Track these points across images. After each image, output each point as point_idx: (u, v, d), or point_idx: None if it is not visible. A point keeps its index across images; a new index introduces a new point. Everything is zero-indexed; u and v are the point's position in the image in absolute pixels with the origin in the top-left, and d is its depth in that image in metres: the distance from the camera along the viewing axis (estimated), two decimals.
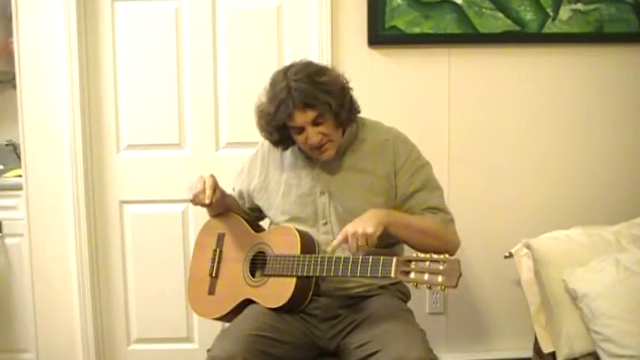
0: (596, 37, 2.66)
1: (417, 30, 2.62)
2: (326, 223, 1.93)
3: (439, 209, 1.93)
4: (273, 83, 1.86)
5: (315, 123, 1.83)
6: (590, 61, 2.71)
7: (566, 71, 2.70)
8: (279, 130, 1.88)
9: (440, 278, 1.56)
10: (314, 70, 1.85)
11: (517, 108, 2.71)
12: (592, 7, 2.64)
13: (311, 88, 1.80)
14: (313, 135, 1.84)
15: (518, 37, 2.65)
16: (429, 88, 2.69)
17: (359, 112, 1.95)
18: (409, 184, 1.93)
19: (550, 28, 2.65)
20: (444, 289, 1.57)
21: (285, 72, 1.85)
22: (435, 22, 2.63)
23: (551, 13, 2.65)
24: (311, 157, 1.96)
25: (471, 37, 2.64)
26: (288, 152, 2.02)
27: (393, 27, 2.62)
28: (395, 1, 2.60)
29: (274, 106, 1.82)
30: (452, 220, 1.96)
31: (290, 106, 1.80)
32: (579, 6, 2.64)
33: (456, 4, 2.62)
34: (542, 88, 2.71)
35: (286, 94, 1.80)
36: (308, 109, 1.81)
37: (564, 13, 2.64)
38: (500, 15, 2.63)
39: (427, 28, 2.63)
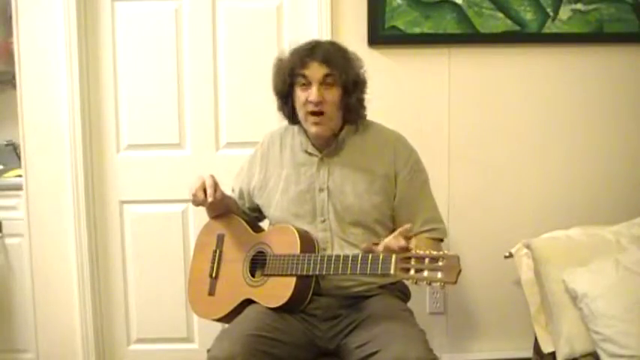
0: (596, 37, 2.66)
1: (417, 30, 2.63)
2: (324, 220, 1.93)
3: (436, 220, 1.98)
4: (298, 45, 1.93)
5: (324, 83, 1.87)
6: (590, 61, 2.71)
7: (566, 71, 2.70)
8: (289, 76, 1.90)
9: (439, 275, 1.55)
10: (342, 47, 1.96)
11: (517, 108, 2.71)
12: (592, 7, 2.64)
13: (336, 51, 1.90)
14: (316, 92, 1.86)
15: (518, 37, 2.65)
16: (429, 88, 2.69)
17: (364, 115, 1.98)
18: (407, 188, 1.94)
19: (550, 28, 2.65)
20: (443, 286, 1.57)
21: (315, 39, 1.96)
22: (435, 22, 2.63)
23: (551, 13, 2.65)
24: (311, 154, 1.97)
25: (471, 37, 2.64)
26: (288, 149, 2.03)
27: (393, 27, 2.62)
28: (395, 1, 2.60)
29: (294, 55, 1.89)
30: (444, 233, 1.99)
31: (308, 57, 1.86)
32: (579, 6, 2.64)
33: (456, 4, 2.62)
34: (542, 88, 2.71)
35: (310, 47, 1.88)
36: (324, 65, 1.86)
37: (564, 13, 2.64)
38: (500, 15, 2.64)
39: (427, 28, 2.63)
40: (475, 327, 2.81)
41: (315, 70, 1.86)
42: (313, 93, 1.86)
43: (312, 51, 1.88)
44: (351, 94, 1.91)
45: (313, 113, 1.88)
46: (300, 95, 1.89)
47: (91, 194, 2.73)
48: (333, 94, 1.88)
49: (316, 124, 1.89)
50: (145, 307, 2.80)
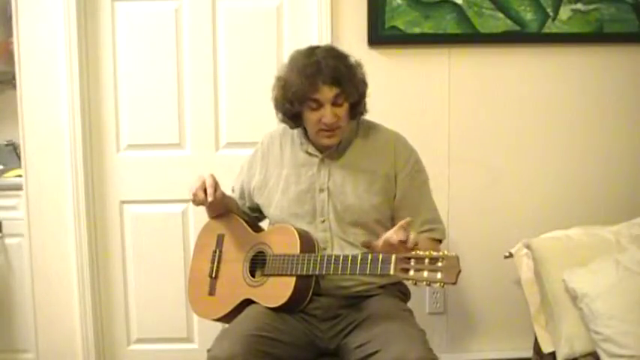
0: (596, 37, 2.66)
1: (417, 30, 2.63)
2: (324, 221, 1.93)
3: (436, 221, 1.99)
4: (298, 59, 1.88)
5: (335, 103, 1.85)
6: (590, 61, 2.71)
7: (566, 71, 2.71)
8: (299, 102, 1.87)
9: (439, 275, 1.55)
10: (342, 54, 1.91)
11: (517, 108, 2.71)
12: (592, 7, 2.64)
13: (342, 66, 1.86)
14: (330, 114, 1.85)
15: (518, 37, 2.65)
16: (429, 88, 2.69)
17: (367, 111, 1.99)
18: (407, 188, 1.95)
19: (550, 28, 2.65)
20: (442, 286, 1.57)
21: (311, 50, 1.90)
22: (435, 22, 2.63)
23: (551, 13, 2.65)
24: (311, 154, 1.97)
25: (471, 37, 2.64)
26: (288, 149, 2.03)
27: (393, 27, 2.62)
28: (395, 1, 2.60)
29: (301, 77, 1.84)
30: (443, 234, 2.00)
31: (319, 80, 1.82)
32: (579, 6, 2.64)
33: (456, 4, 2.62)
34: (542, 88, 2.71)
35: (316, 68, 1.83)
36: (334, 86, 1.84)
37: (564, 13, 2.64)
38: (500, 15, 2.64)
39: (427, 28, 2.63)
40: (475, 327, 2.81)
41: (326, 93, 1.84)
42: (328, 115, 1.85)
43: (319, 70, 1.83)
44: (361, 101, 1.93)
45: (327, 130, 1.89)
46: (311, 116, 1.88)
47: (91, 194, 2.73)
48: (344, 109, 1.89)
49: (330, 137, 1.91)
50: (145, 307, 2.80)
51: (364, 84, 1.93)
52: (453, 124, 2.71)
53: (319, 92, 1.84)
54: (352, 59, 1.92)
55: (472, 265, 2.61)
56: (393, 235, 1.67)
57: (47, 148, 2.67)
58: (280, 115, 1.97)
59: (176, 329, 2.80)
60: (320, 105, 1.86)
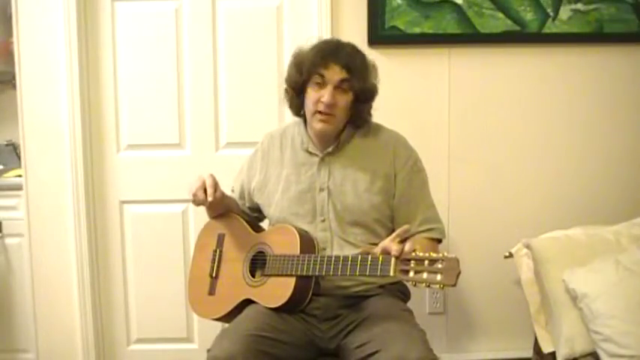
0: (596, 37, 2.66)
1: (417, 30, 2.63)
2: (324, 220, 1.93)
3: (435, 220, 1.99)
4: (318, 42, 1.94)
5: (339, 87, 1.86)
6: (590, 61, 2.71)
7: (566, 71, 2.71)
8: (307, 72, 1.89)
9: (439, 277, 1.55)
10: (362, 52, 1.95)
11: (517, 108, 2.71)
12: (592, 7, 2.64)
13: (358, 59, 1.89)
14: (330, 94, 1.86)
15: (518, 37, 2.65)
16: (429, 88, 2.69)
17: (369, 121, 2.00)
18: (406, 187, 1.95)
19: (550, 28, 2.65)
20: (442, 288, 1.57)
21: (333, 38, 1.99)
22: (435, 22, 2.63)
23: (551, 13, 2.65)
24: (311, 153, 1.98)
25: (471, 37, 2.64)
26: (288, 149, 2.03)
27: (393, 27, 2.62)
28: (395, 1, 2.61)
29: (316, 53, 1.88)
30: (442, 233, 1.99)
31: (331, 59, 1.86)
32: (579, 6, 2.64)
33: (456, 4, 2.62)
34: (542, 88, 2.71)
35: (332, 49, 1.88)
36: (344, 70, 1.86)
37: (564, 13, 2.64)
38: (500, 15, 2.64)
39: (427, 28, 2.63)
40: (475, 327, 2.81)
41: (334, 73, 1.86)
42: (327, 95, 1.86)
43: (335, 52, 1.87)
44: (363, 102, 1.93)
45: (322, 113, 1.89)
46: (313, 93, 1.89)
47: (91, 194, 2.73)
48: (346, 99, 1.89)
49: (323, 121, 1.90)
50: (145, 307, 2.80)
51: (374, 88, 1.94)
52: (452, 123, 2.71)
53: (327, 69, 1.86)
54: (371, 60, 1.95)
55: (472, 266, 2.61)
56: (389, 243, 1.67)
57: (47, 148, 2.67)
58: (288, 89, 1.98)
59: (176, 329, 2.80)
60: (324, 83, 1.87)
